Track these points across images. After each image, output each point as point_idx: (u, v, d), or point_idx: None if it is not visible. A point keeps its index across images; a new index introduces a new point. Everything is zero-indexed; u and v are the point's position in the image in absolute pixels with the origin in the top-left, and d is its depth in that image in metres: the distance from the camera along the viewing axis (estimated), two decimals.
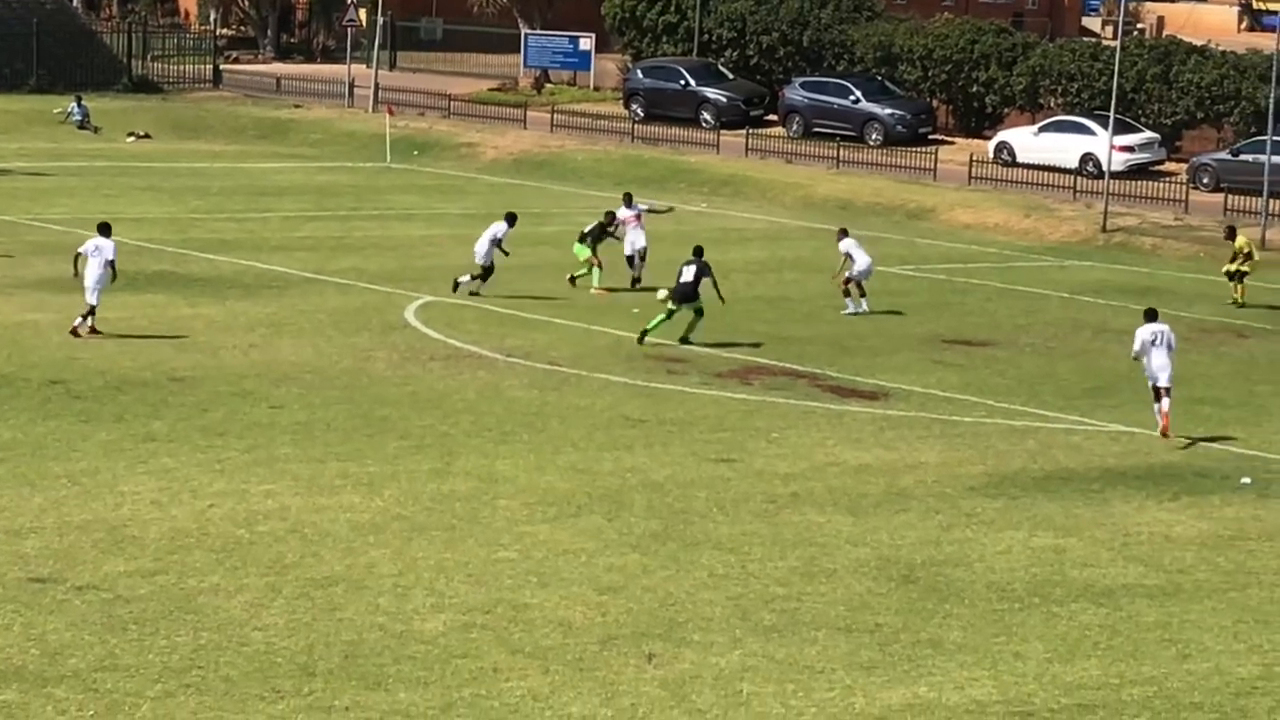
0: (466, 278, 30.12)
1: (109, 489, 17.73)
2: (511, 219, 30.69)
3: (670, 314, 27.02)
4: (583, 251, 31.85)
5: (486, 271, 30.15)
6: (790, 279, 35.44)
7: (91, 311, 25.48)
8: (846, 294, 30.88)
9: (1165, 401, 23.19)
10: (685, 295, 26.97)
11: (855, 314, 30.71)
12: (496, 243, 29.96)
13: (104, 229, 26.54)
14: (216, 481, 18.37)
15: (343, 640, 13.29)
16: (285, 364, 25.11)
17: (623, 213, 32.22)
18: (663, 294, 26.61)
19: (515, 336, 28.08)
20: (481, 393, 23.89)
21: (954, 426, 23.48)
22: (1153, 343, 23.28)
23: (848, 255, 30.64)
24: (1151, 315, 23.96)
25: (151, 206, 40.09)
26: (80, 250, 25.61)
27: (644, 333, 26.92)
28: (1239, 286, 34.22)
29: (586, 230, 32.24)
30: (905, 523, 18.04)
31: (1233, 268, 34.21)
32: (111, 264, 25.54)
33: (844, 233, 31.40)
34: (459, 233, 36.57)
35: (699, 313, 27.10)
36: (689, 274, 27.11)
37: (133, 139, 50.61)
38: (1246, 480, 20.96)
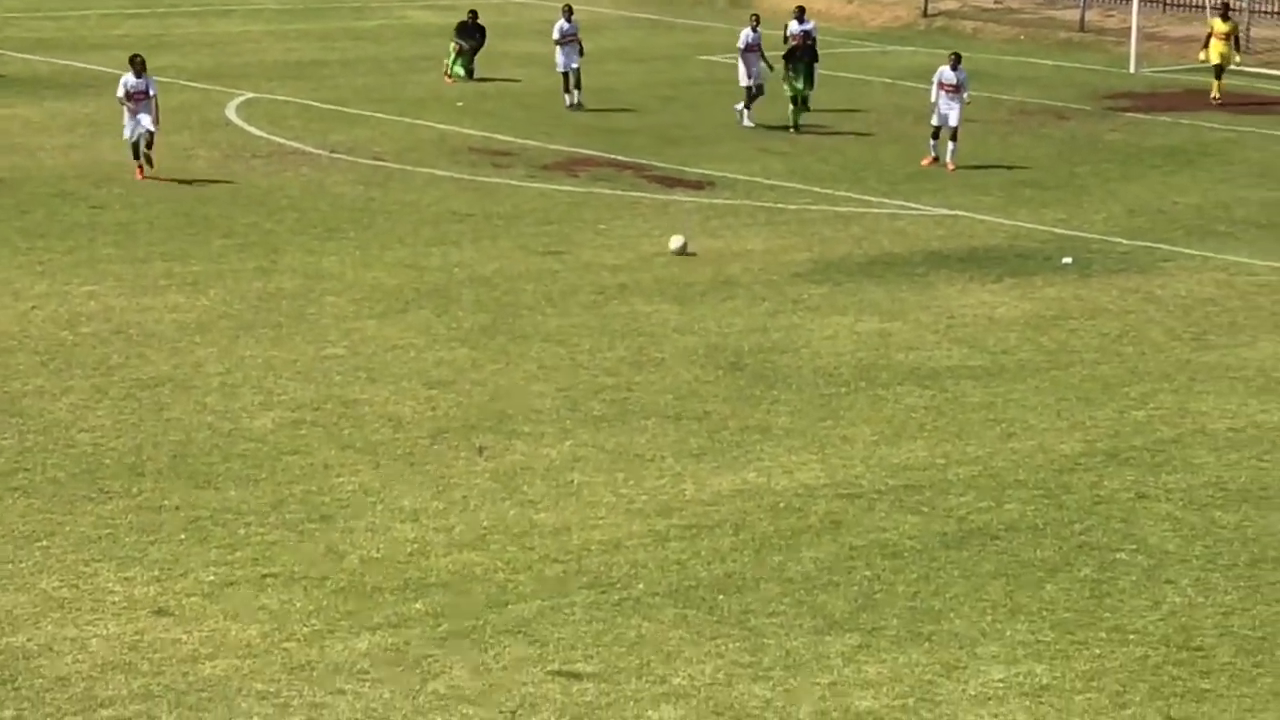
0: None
1: None
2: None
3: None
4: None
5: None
6: (613, 69, 34.38)
7: None
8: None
9: (951, 145, 25.16)
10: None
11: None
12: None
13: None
14: (38, 284, 18.07)
15: (171, 440, 13.16)
16: (106, 165, 24.48)
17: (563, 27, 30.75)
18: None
19: (338, 132, 27.59)
20: (306, 189, 23.57)
21: (779, 214, 23.46)
22: (946, 85, 26.09)
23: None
24: (955, 60, 26.22)
25: None
26: None
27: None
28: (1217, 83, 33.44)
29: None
30: (732, 310, 18.06)
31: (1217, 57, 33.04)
32: None
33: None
34: (275, 28, 35.34)
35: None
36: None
37: None
38: (1068, 260, 21.34)
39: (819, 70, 29.62)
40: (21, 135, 26.00)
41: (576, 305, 18.20)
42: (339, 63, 31.00)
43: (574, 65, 30.33)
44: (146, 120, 23.09)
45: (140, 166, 23.44)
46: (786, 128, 29.17)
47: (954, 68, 26.45)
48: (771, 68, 29.47)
